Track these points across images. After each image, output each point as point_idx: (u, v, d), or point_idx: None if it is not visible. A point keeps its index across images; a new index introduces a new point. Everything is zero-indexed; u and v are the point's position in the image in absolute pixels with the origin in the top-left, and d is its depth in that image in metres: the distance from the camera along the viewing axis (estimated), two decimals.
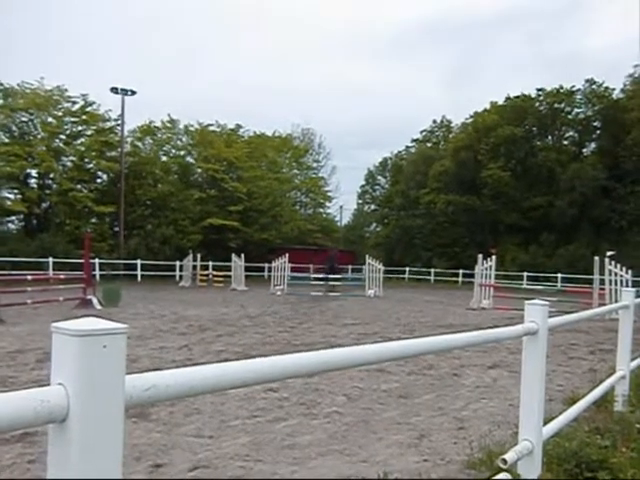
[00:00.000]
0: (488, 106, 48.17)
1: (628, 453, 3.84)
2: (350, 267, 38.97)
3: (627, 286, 15.68)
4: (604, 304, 15.03)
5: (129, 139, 38.34)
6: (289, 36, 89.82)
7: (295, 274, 27.51)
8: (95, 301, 15.36)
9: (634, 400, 5.29)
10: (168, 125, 40.29)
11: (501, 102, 47.53)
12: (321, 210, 52.03)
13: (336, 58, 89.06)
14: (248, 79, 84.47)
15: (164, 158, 40.26)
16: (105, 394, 1.26)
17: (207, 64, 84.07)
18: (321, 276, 26.79)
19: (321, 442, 4.61)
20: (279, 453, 4.35)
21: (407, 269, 42.42)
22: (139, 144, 39.74)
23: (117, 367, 1.31)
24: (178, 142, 41.47)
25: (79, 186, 34.78)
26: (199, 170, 41.04)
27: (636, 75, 41.12)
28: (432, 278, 40.58)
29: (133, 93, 34.40)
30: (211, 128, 41.73)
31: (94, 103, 35.86)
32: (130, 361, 7.64)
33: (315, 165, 53.92)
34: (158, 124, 40.14)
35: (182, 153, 41.56)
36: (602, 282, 17.78)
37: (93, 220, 35.50)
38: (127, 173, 35.03)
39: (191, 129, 41.03)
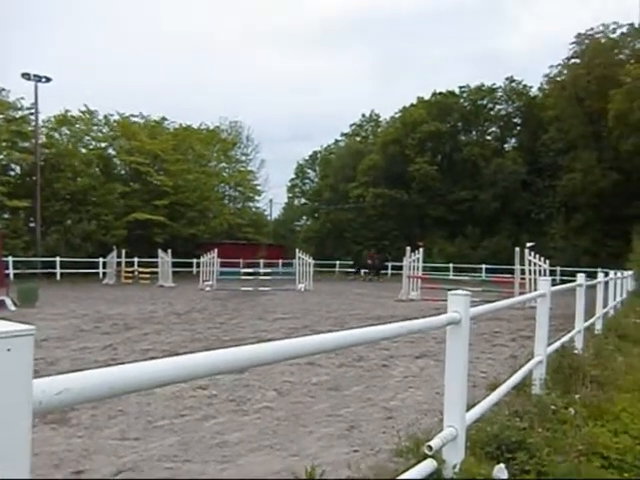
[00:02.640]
0: (415, 101, 49.40)
1: (544, 433, 4.05)
2: (280, 261, 38.90)
3: (545, 275, 16.55)
4: (524, 293, 15.81)
5: (44, 129, 36.26)
6: (215, 25, 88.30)
7: (225, 269, 27.15)
8: (9, 302, 14.49)
9: (550, 383, 5.59)
10: (86, 115, 38.37)
11: (428, 97, 48.86)
12: (250, 204, 51.57)
13: (264, 50, 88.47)
14: (172, 70, 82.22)
15: (83, 150, 38.30)
16: (9, 401, 1.18)
17: (128, 53, 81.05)
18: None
19: (251, 438, 4.57)
20: (208, 452, 4.27)
21: (337, 262, 42.86)
22: (56, 135, 37.64)
23: (23, 371, 1.23)
24: (98, 133, 39.61)
25: None
26: (122, 163, 39.52)
27: (551, 75, 43.43)
28: (362, 271, 41.19)
29: (48, 80, 32.18)
30: (134, 119, 40.27)
31: (3, 90, 33.65)
32: (48, 364, 7.28)
33: (244, 158, 53.31)
34: (75, 114, 38.17)
35: (103, 145, 39.72)
36: (523, 272, 18.69)
37: (5, 215, 33.23)
38: (43, 165, 33.03)
39: (111, 120, 39.40)
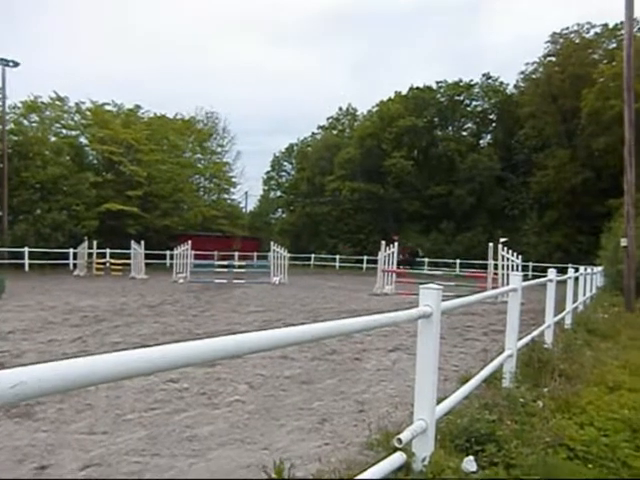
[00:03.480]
0: (393, 95, 49.50)
1: (513, 426, 4.09)
2: (255, 254, 38.76)
3: (517, 271, 16.77)
4: (497, 287, 16.00)
5: (12, 115, 35.14)
6: (195, 15, 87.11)
7: (199, 261, 26.93)
8: None
9: (520, 377, 5.66)
10: (56, 102, 37.30)
11: (405, 92, 49.01)
12: (226, 196, 51.17)
13: (243, 42, 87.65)
14: (148, 59, 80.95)
15: (53, 138, 37.26)
16: None
17: (101, 40, 79.46)
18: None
19: (222, 432, 4.52)
20: (177, 446, 4.21)
21: (312, 256, 42.88)
22: (24, 122, 36.51)
23: None
24: (69, 121, 38.61)
25: None
26: (94, 152, 38.71)
27: (527, 72, 43.95)
28: (337, 264, 41.34)
29: (15, 64, 31.06)
30: (107, 108, 39.49)
31: None
32: (13, 357, 7.11)
33: (219, 150, 52.80)
34: (45, 100, 37.02)
35: (74, 133, 38.75)
36: (496, 267, 18.92)
37: None
38: (11, 153, 32.11)
39: (83, 108, 38.50)
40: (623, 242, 14.35)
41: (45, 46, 71.13)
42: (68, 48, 76.14)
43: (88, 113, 38.59)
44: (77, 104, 38.21)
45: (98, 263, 27.71)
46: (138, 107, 41.66)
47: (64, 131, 38.45)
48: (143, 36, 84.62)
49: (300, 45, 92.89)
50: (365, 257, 40.10)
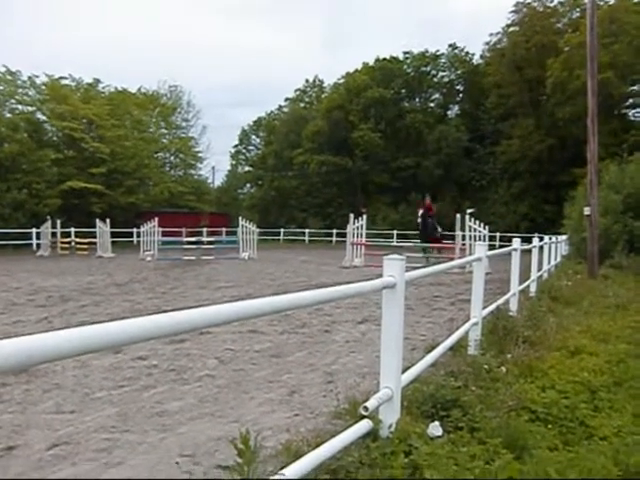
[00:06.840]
0: (360, 67, 49.05)
1: (477, 391, 4.21)
2: (224, 230, 38.45)
3: (484, 241, 17.02)
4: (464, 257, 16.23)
5: None
6: None
7: (166, 238, 26.60)
8: None
9: (485, 344, 5.79)
10: (8, 77, 35.48)
11: (372, 63, 48.58)
12: (192, 171, 50.32)
13: (206, 12, 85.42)
14: (108, 29, 78.23)
15: (9, 115, 35.58)
16: None
17: (54, 12, 76.36)
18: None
19: (192, 407, 4.54)
20: (147, 422, 4.21)
21: (282, 230, 42.75)
22: None
23: None
24: (24, 97, 36.85)
25: None
26: (54, 128, 37.36)
27: (492, 43, 44.06)
28: (307, 238, 41.31)
29: None
30: (64, 82, 38.02)
31: None
32: None
33: (184, 124, 51.72)
34: None
35: (30, 109, 37.09)
36: (464, 238, 19.16)
37: None
38: None
39: (38, 82, 36.82)
40: (586, 210, 14.66)
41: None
42: (18, 21, 72.92)
43: (44, 87, 37.07)
44: (30, 78, 36.54)
45: (63, 242, 27.13)
46: (98, 81, 40.36)
47: (20, 107, 36.90)
48: (100, 7, 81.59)
49: (268, 16, 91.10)
50: (334, 230, 40.12)
